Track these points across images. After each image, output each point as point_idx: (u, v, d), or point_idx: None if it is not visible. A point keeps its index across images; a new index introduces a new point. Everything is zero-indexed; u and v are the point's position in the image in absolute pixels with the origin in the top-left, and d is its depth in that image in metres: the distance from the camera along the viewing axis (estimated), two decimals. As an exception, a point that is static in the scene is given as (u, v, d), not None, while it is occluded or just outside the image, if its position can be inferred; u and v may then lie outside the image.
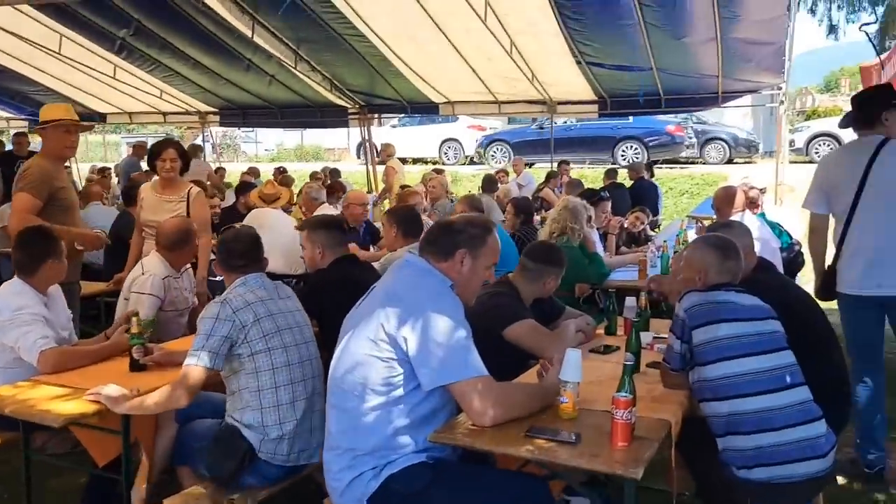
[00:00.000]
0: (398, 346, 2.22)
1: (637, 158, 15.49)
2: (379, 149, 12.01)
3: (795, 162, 17.45)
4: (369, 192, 12.16)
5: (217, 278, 4.14)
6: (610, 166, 13.51)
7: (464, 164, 19.41)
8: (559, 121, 13.14)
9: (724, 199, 4.55)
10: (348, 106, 11.73)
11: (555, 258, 3.44)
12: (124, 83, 11.36)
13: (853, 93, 5.40)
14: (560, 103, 10.71)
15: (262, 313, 2.74)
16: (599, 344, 3.32)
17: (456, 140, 19.88)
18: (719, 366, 2.41)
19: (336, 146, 24.90)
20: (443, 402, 2.32)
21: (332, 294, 3.28)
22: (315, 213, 6.47)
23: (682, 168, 17.01)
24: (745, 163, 17.84)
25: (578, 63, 9.16)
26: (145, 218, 4.59)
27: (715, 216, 4.85)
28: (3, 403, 2.72)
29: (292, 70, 10.25)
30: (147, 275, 3.79)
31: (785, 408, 2.36)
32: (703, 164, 17.44)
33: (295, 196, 7.58)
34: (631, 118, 15.45)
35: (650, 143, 16.36)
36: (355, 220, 5.97)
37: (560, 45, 8.68)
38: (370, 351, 2.25)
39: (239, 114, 12.59)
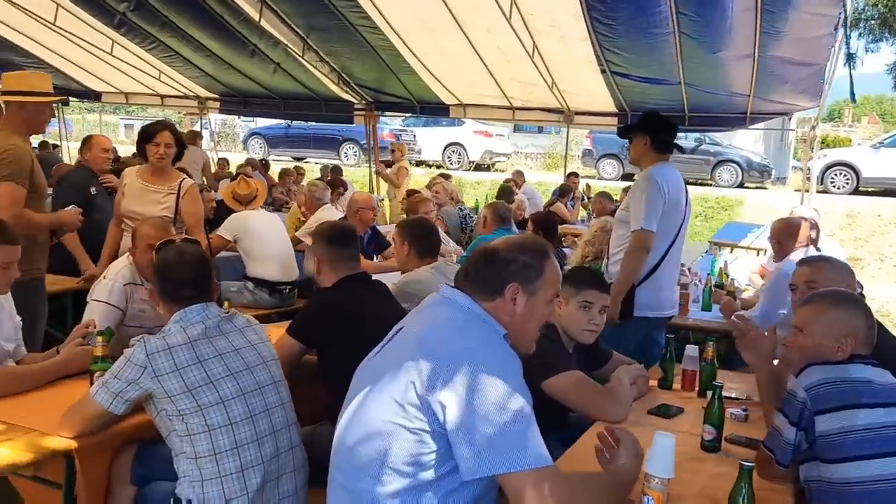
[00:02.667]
0: (433, 414, 1.68)
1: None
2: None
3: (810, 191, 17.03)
4: (371, 192, 11.65)
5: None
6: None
7: (468, 169, 18.92)
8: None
9: (786, 231, 4.01)
10: (355, 101, 11.17)
11: (605, 286, 2.90)
12: (122, 60, 10.78)
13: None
14: (578, 113, 10.18)
15: (186, 360, 2.16)
16: (657, 403, 2.76)
17: (460, 145, 19.39)
18: (856, 465, 1.85)
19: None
20: (487, 489, 1.76)
21: (334, 322, 2.74)
22: (317, 216, 5.93)
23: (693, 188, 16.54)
24: (757, 188, 17.39)
25: (603, 72, 8.64)
26: (126, 208, 4.03)
27: (769, 248, 4.32)
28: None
29: (299, 59, 9.69)
30: (107, 280, 3.24)
31: None
32: (714, 185, 16.99)
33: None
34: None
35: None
36: (364, 226, 5.40)
37: (586, 51, 8.16)
38: (395, 417, 1.71)
39: (240, 101, 12.00)
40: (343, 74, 10.36)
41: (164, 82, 11.62)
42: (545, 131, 21.91)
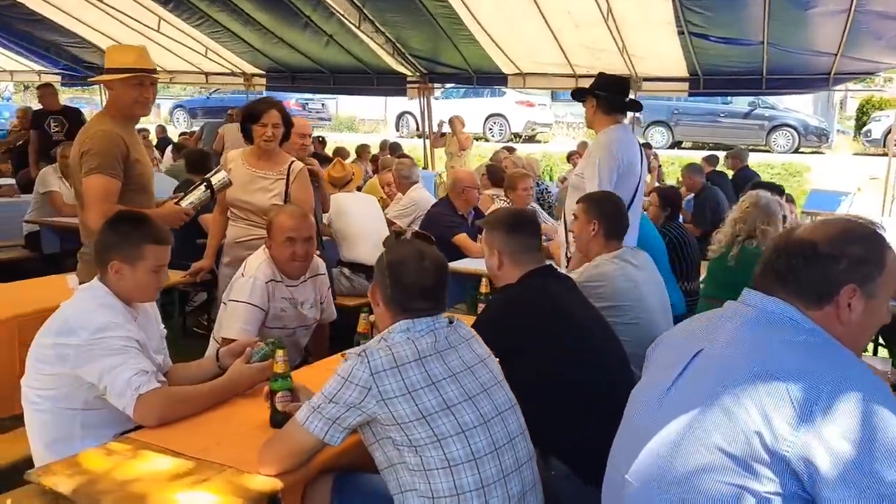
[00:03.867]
0: (793, 471, 1.29)
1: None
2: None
3: (874, 154, 16.39)
4: (424, 168, 11.26)
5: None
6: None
7: (510, 140, 18.44)
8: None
9: None
10: (409, 73, 10.75)
11: None
12: (168, 37, 10.43)
13: None
14: (647, 80, 9.69)
15: (418, 381, 1.81)
16: None
17: (502, 116, 18.90)
18: None
19: (370, 117, 23.83)
20: None
21: (528, 326, 2.38)
22: (410, 197, 5.58)
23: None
24: (814, 153, 16.76)
25: (681, 34, 8.14)
26: (233, 196, 3.70)
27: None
28: (87, 487, 1.78)
29: (354, 30, 9.30)
30: (247, 277, 2.92)
31: None
32: (769, 152, 16.37)
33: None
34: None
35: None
36: (468, 207, 5.03)
37: (666, 11, 7.69)
38: (731, 477, 1.32)
39: (288, 77, 11.61)
40: (398, 45, 9.95)
41: (210, 58, 11.26)
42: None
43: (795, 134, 16.42)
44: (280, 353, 2.14)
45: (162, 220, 2.75)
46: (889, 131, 15.70)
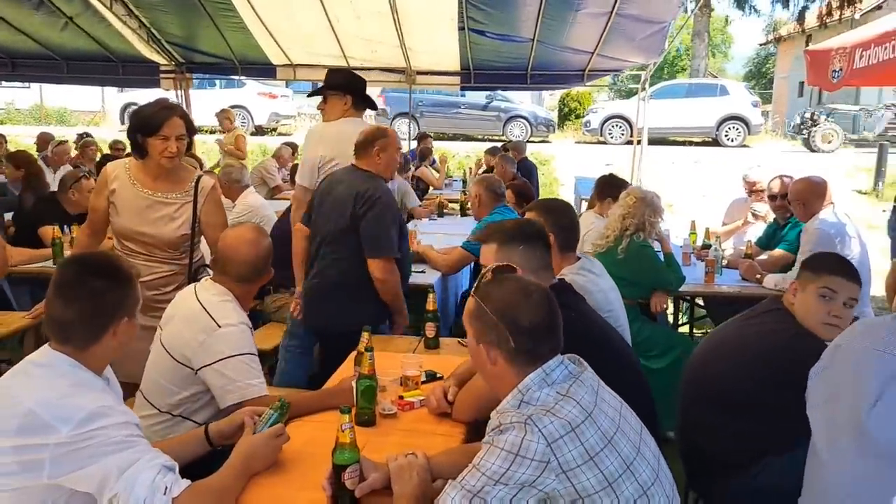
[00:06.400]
0: None
1: None
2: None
3: (591, 142, 18.36)
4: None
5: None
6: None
7: (253, 133, 17.61)
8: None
9: (813, 191, 4.06)
10: (163, 62, 9.70)
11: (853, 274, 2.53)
12: None
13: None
14: (420, 73, 9.79)
15: (597, 443, 1.54)
16: None
17: (244, 108, 17.96)
18: None
19: (86, 108, 21.21)
20: None
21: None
22: (245, 203, 4.99)
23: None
24: (542, 141, 18.31)
25: (461, 29, 8.35)
26: (127, 227, 2.98)
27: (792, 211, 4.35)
28: None
29: (103, 12, 8.14)
30: (233, 327, 2.37)
31: None
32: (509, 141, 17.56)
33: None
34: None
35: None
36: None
37: (450, 7, 7.81)
38: None
39: (6, 63, 9.83)
40: (153, 31, 8.91)
41: None
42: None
43: (528, 124, 17.82)
44: (345, 419, 1.72)
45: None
46: (605, 120, 17.76)
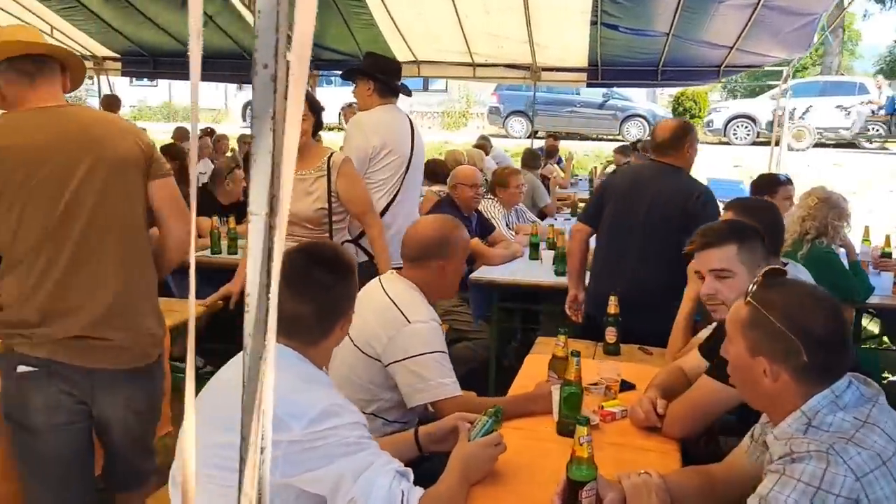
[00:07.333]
0: None
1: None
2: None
3: (711, 143, 17.63)
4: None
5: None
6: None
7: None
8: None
9: None
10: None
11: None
12: (5, 11, 8.84)
13: None
14: (545, 69, 9.60)
15: None
16: None
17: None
18: None
19: (210, 106, 22.16)
20: None
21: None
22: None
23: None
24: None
25: (593, 24, 8.10)
26: None
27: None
28: None
29: (241, 9, 8.36)
30: (423, 322, 2.31)
31: None
32: (623, 140, 17.13)
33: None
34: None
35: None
36: (468, 208, 4.52)
37: (584, 1, 7.60)
38: None
39: (148, 61, 10.32)
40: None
41: (56, 38, 9.70)
42: (430, 88, 21.08)
43: (646, 123, 17.29)
44: (582, 431, 1.59)
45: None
46: (729, 120, 17.02)
